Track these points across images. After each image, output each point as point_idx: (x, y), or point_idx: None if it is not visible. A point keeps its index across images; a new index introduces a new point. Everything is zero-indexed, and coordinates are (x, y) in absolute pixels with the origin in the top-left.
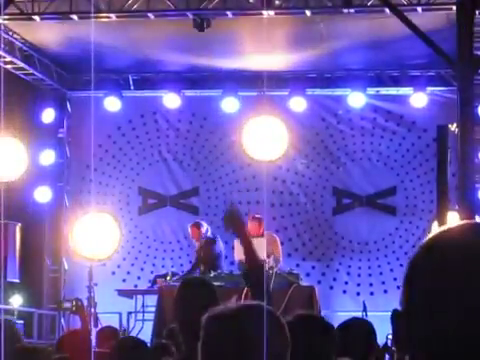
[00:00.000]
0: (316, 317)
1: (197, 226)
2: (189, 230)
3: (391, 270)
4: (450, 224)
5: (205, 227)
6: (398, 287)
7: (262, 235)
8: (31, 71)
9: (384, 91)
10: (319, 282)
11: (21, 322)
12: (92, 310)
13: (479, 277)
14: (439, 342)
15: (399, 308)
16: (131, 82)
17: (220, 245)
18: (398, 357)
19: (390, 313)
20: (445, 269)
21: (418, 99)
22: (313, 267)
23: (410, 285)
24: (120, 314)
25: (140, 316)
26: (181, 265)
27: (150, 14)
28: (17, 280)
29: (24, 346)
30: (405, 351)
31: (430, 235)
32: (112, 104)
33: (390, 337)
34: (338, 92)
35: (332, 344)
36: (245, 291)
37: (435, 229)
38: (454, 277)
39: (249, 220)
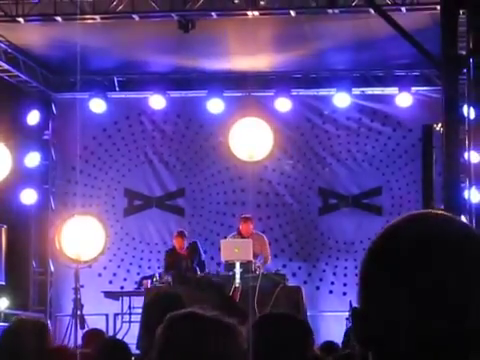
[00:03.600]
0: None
1: (182, 236)
2: (174, 240)
3: None
4: (398, 218)
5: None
6: None
7: (251, 234)
8: (16, 73)
9: (369, 91)
10: (305, 282)
11: (7, 325)
12: (78, 312)
13: (429, 275)
14: (392, 342)
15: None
16: (116, 83)
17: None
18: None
19: None
20: (394, 267)
21: (403, 99)
22: (299, 267)
23: (363, 284)
24: (107, 316)
25: (127, 318)
26: None
27: (135, 15)
28: (3, 282)
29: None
30: (364, 349)
31: (380, 231)
32: (97, 106)
33: None
34: (323, 92)
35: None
36: (233, 289)
37: None
38: (404, 275)
39: (241, 221)
